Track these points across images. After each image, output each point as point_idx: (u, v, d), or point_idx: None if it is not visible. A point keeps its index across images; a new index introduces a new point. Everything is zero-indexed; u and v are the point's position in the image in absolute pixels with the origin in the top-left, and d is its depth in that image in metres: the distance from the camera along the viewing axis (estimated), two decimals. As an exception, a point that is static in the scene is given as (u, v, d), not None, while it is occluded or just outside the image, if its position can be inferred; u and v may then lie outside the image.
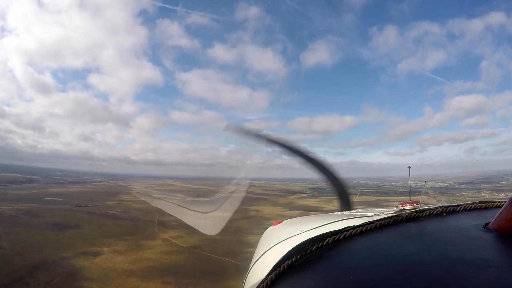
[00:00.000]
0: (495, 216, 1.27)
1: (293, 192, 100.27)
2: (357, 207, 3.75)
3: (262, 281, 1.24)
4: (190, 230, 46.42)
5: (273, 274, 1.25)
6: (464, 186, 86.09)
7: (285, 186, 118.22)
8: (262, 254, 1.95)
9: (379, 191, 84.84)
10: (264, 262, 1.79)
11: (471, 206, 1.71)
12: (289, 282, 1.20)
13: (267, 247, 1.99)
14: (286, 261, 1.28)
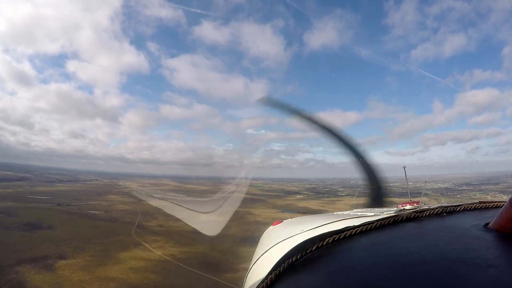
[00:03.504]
0: (495, 216, 1.26)
1: (291, 193, 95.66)
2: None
3: (262, 281, 1.23)
4: (170, 237, 41.55)
5: (273, 274, 1.23)
6: (464, 187, 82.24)
7: (282, 187, 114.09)
8: (262, 254, 1.92)
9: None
10: (264, 262, 1.78)
11: (471, 206, 1.69)
12: (289, 282, 1.19)
13: (267, 247, 1.97)
14: (286, 261, 1.27)
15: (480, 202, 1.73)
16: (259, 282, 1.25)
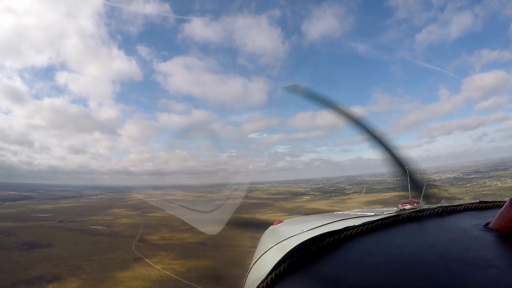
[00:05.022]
0: (496, 216, 1.26)
1: (298, 194, 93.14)
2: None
3: (263, 281, 1.22)
4: (171, 250, 39.17)
5: (273, 273, 1.22)
6: (473, 175, 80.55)
7: (289, 188, 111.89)
8: (263, 254, 1.90)
9: (387, 187, 77.41)
10: (264, 262, 1.75)
11: (471, 206, 1.68)
12: (290, 282, 1.18)
13: (268, 246, 1.95)
14: (287, 261, 1.26)
15: (480, 202, 1.69)
16: (260, 282, 1.23)
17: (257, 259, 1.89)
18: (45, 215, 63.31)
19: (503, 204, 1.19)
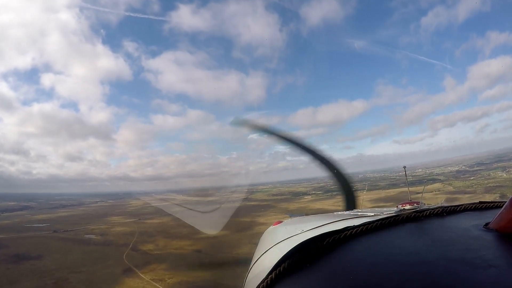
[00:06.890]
0: (496, 216, 1.26)
1: (299, 194, 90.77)
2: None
3: (262, 281, 1.23)
4: (164, 259, 36.89)
5: (273, 273, 1.23)
6: (476, 167, 78.72)
7: (291, 189, 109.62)
8: (263, 254, 1.90)
9: (389, 184, 75.02)
10: (264, 262, 1.74)
11: (471, 206, 1.68)
12: (289, 282, 1.18)
13: (268, 246, 1.95)
14: (286, 261, 1.26)
15: (480, 202, 1.69)
16: (260, 282, 1.23)
17: (257, 259, 1.85)
18: (41, 225, 60.97)
19: (503, 204, 1.18)
